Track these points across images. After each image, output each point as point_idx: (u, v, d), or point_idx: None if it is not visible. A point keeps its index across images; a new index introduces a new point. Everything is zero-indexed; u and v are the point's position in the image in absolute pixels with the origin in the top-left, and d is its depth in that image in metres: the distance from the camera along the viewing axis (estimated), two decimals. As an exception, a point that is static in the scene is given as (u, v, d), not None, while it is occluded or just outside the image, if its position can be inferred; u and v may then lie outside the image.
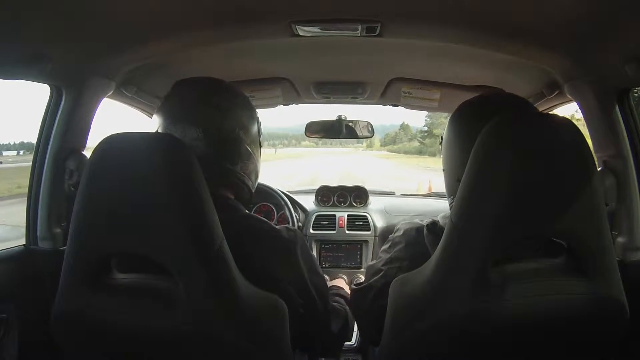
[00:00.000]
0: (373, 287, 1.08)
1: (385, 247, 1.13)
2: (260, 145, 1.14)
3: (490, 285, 0.80)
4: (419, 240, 1.02)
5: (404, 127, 75.67)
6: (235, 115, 1.05)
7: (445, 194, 1.11)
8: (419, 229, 1.05)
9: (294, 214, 2.29)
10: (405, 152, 58.64)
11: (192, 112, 1.01)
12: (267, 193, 2.32)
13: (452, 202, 1.05)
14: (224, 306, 0.82)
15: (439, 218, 1.04)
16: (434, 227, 1.01)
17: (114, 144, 0.84)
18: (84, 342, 0.90)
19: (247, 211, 1.05)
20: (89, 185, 0.83)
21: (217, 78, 1.10)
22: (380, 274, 1.07)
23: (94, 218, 0.83)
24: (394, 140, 75.34)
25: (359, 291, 1.14)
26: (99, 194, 0.82)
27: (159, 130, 1.01)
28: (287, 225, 1.06)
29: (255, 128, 1.10)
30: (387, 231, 2.33)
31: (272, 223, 1.03)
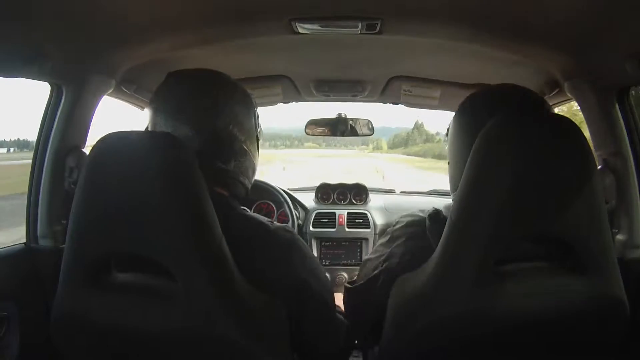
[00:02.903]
0: (373, 285, 1.04)
1: (383, 240, 1.09)
2: (258, 139, 1.10)
3: (491, 284, 0.80)
4: (420, 233, 0.99)
5: (417, 127, 67.89)
6: (230, 112, 1.00)
7: (449, 190, 1.09)
8: (420, 222, 1.01)
9: (293, 211, 2.29)
10: (436, 157, 39.78)
11: (184, 109, 0.97)
12: (267, 190, 2.32)
13: None
14: (224, 305, 0.82)
15: (442, 208, 1.01)
16: (437, 217, 0.97)
17: (112, 143, 0.83)
18: (83, 342, 0.90)
19: (243, 208, 1.03)
20: (87, 184, 0.83)
21: (212, 70, 1.04)
22: (380, 270, 1.03)
23: (92, 217, 0.83)
24: (406, 142, 67.70)
25: (357, 289, 1.11)
26: (97, 193, 0.82)
27: (150, 127, 0.99)
28: (284, 225, 1.03)
29: (251, 123, 1.05)
30: (387, 228, 2.32)
31: (269, 223, 1.00)
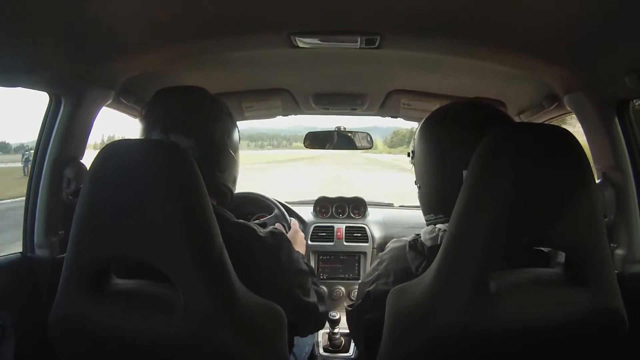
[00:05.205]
0: (367, 304, 1.08)
1: (374, 264, 1.13)
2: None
3: (489, 295, 0.80)
4: (401, 257, 1.03)
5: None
6: (222, 123, 1.08)
7: (422, 212, 1.12)
8: (402, 247, 1.06)
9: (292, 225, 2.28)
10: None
11: (183, 121, 1.03)
12: (265, 204, 2.31)
13: (432, 219, 1.06)
14: (223, 312, 0.82)
15: (421, 233, 1.05)
16: (414, 244, 1.02)
17: (115, 151, 0.84)
18: (81, 347, 0.90)
19: (234, 219, 1.05)
20: (90, 191, 0.83)
21: (196, 86, 1.11)
22: (370, 290, 1.07)
23: (95, 224, 0.83)
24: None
25: (354, 311, 1.15)
26: (101, 200, 0.82)
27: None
28: (273, 228, 1.09)
29: (237, 134, 1.14)
30: (386, 243, 2.32)
31: (258, 229, 1.04)
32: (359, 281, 1.20)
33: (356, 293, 2.25)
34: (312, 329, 1.27)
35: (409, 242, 1.04)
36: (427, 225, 1.08)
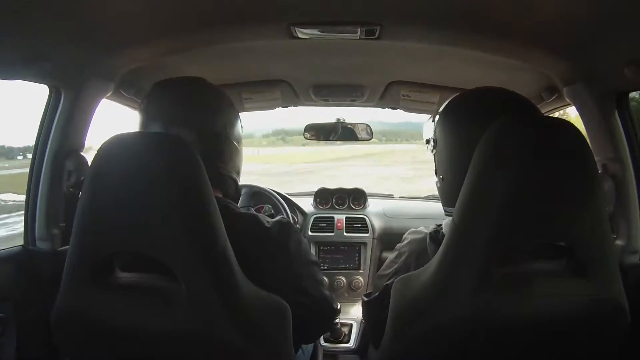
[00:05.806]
0: (386, 296, 1.04)
1: (392, 257, 1.12)
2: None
3: (493, 286, 0.81)
4: (421, 250, 1.01)
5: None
6: (223, 113, 1.06)
7: (443, 204, 1.08)
8: (422, 239, 1.03)
9: (292, 216, 2.29)
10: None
11: (184, 114, 1.01)
12: (265, 195, 2.31)
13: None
14: (226, 307, 0.82)
15: (443, 225, 1.02)
16: (436, 236, 0.99)
17: (118, 144, 0.84)
18: (84, 341, 0.90)
19: (240, 210, 1.05)
20: (93, 184, 0.83)
21: (197, 77, 1.09)
22: (390, 282, 1.04)
23: (97, 217, 0.83)
24: None
25: (370, 303, 1.13)
26: (103, 193, 0.82)
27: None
28: (280, 218, 1.06)
29: (239, 124, 1.12)
30: (386, 233, 2.35)
31: (264, 220, 1.02)
32: (379, 273, 1.16)
33: (358, 283, 2.29)
34: (323, 326, 1.24)
35: (430, 233, 1.00)
36: (446, 215, 1.05)
